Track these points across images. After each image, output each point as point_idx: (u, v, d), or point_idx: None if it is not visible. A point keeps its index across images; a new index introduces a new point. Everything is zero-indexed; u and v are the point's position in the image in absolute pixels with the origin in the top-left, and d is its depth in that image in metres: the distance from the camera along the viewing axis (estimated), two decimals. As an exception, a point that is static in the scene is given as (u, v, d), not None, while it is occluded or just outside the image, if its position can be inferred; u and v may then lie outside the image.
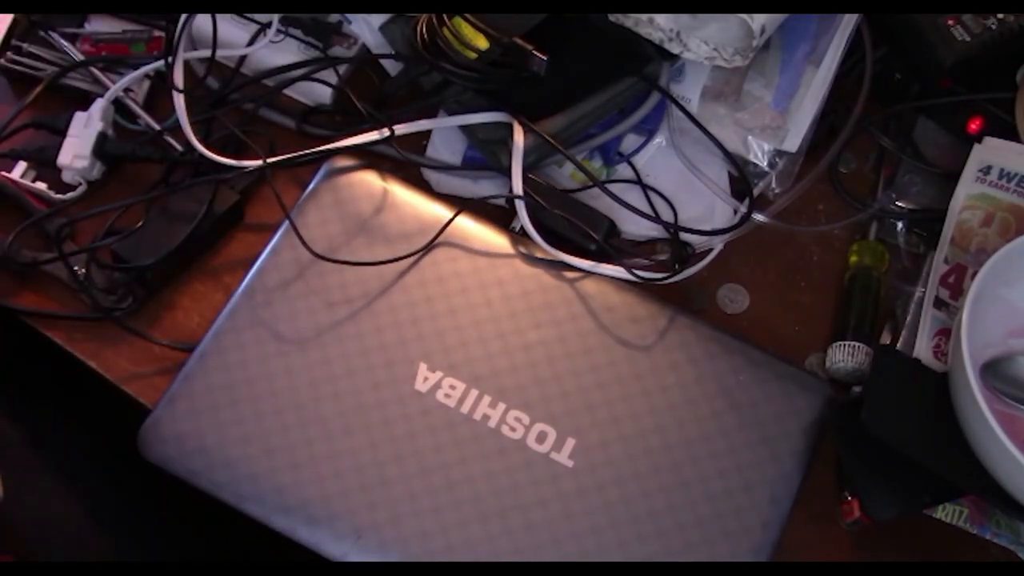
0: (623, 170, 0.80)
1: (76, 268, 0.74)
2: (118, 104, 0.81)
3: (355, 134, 0.77)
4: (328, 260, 0.72)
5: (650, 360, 0.70)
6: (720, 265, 0.76)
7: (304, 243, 0.72)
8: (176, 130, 0.78)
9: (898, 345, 0.71)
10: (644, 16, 0.74)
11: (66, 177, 0.78)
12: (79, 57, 0.82)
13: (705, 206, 0.78)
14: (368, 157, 0.78)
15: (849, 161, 0.81)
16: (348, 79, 0.82)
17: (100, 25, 0.84)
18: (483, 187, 0.79)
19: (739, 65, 0.75)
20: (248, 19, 0.80)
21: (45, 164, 0.78)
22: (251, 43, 0.80)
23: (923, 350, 0.70)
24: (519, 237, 0.74)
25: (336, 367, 0.70)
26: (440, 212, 0.74)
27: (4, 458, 0.74)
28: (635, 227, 0.77)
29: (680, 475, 0.67)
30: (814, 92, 0.77)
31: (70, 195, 0.79)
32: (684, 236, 0.76)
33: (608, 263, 0.73)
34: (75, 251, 0.75)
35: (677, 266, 0.75)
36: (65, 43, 0.82)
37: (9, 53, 0.82)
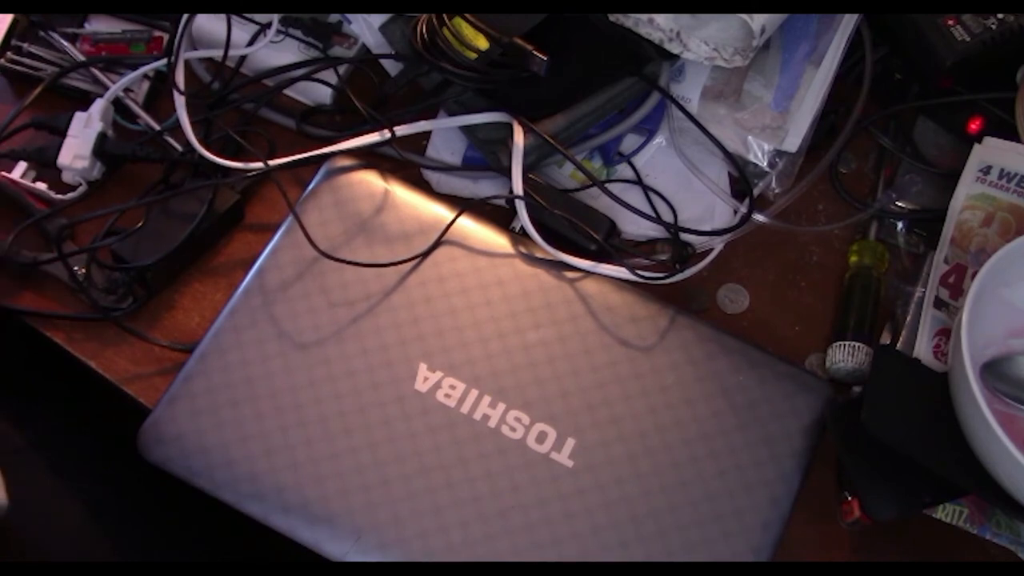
0: (623, 170, 0.80)
1: (76, 268, 0.74)
2: (118, 104, 0.81)
3: (355, 134, 0.77)
4: (334, 259, 0.72)
5: (650, 360, 0.70)
6: (720, 265, 0.76)
7: (311, 241, 0.72)
8: (176, 130, 0.78)
9: (898, 345, 0.71)
10: (644, 16, 0.74)
11: (66, 177, 0.78)
12: (79, 57, 0.82)
13: (705, 206, 0.78)
14: (368, 157, 0.78)
15: (849, 161, 0.81)
16: (348, 79, 0.82)
17: (100, 25, 0.84)
18: (483, 187, 0.79)
19: (739, 65, 0.75)
20: (248, 19, 0.80)
21: (45, 164, 0.78)
22: (251, 43, 0.80)
23: (923, 350, 0.70)
24: (519, 237, 0.74)
25: (336, 367, 0.70)
26: (440, 212, 0.74)
27: (3, 459, 0.74)
28: (635, 227, 0.77)
29: (680, 475, 0.67)
30: (814, 92, 0.77)
31: (70, 195, 0.79)
32: (684, 236, 0.76)
33: (608, 263, 0.73)
34: (75, 251, 0.75)
35: (677, 266, 0.75)
36: (65, 43, 0.82)
37: (9, 53, 0.82)
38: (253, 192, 0.80)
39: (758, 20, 0.72)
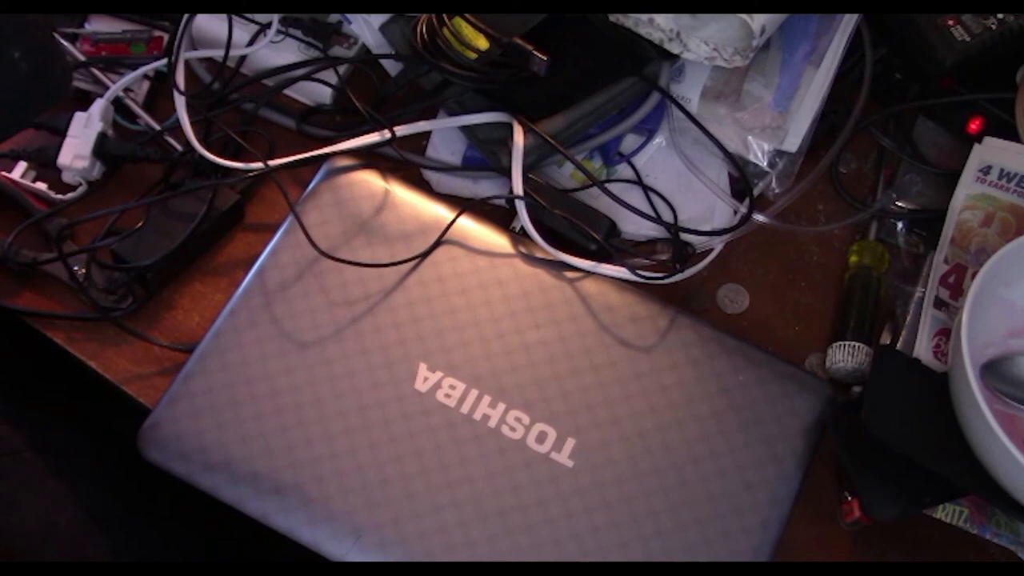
0: (623, 170, 0.80)
1: (76, 268, 0.74)
2: (118, 104, 0.81)
3: (355, 134, 0.77)
4: (334, 259, 0.72)
5: (650, 360, 0.70)
6: (720, 265, 0.76)
7: (311, 241, 0.72)
8: (176, 130, 0.78)
9: (898, 345, 0.71)
10: (644, 16, 0.74)
11: (66, 177, 0.78)
12: (79, 57, 0.82)
13: (705, 206, 0.78)
14: (368, 157, 0.78)
15: (849, 161, 0.81)
16: (348, 79, 0.82)
17: (100, 25, 0.84)
18: (483, 187, 0.79)
19: (739, 65, 0.75)
20: (248, 19, 0.80)
21: (45, 164, 0.78)
22: (251, 43, 0.80)
23: (923, 350, 0.70)
24: (519, 237, 0.74)
25: (336, 367, 0.70)
26: (440, 212, 0.74)
27: (3, 459, 0.74)
28: (635, 227, 0.77)
29: (680, 475, 0.67)
30: (814, 92, 0.77)
31: (70, 195, 0.79)
32: (684, 236, 0.76)
33: (608, 263, 0.73)
34: (75, 251, 0.75)
35: (677, 266, 0.75)
36: (65, 43, 0.82)
37: (9, 53, 0.82)
38: (253, 192, 0.80)
39: (758, 20, 0.72)
